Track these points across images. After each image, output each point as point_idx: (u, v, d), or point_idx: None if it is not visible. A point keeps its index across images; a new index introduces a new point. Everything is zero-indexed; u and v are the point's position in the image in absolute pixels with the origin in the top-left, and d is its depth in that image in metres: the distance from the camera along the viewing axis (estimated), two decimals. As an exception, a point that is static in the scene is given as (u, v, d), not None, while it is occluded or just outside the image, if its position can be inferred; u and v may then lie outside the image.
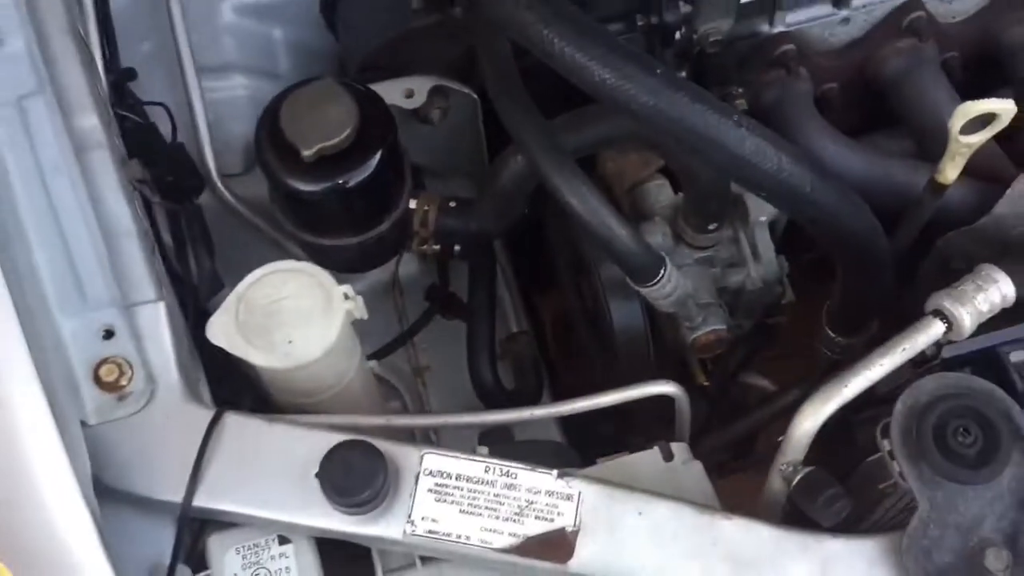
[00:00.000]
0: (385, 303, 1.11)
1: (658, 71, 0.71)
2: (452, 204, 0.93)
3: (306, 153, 0.80)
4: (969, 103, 0.84)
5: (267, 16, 1.09)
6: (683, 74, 1.04)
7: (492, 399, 0.99)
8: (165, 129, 0.96)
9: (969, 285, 0.75)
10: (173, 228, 0.92)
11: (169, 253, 0.90)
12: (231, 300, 0.79)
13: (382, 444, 0.68)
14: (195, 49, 1.02)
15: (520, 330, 1.07)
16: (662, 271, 0.79)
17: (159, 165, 0.90)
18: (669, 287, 0.81)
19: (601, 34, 0.72)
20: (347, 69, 1.09)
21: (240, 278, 0.98)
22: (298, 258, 0.95)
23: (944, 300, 0.75)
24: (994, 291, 0.74)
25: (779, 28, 1.03)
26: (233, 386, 0.81)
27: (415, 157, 1.10)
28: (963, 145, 0.88)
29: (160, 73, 1.02)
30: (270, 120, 0.82)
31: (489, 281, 1.03)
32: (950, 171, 0.91)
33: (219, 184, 1.00)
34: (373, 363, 0.92)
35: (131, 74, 0.98)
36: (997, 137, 0.87)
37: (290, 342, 0.78)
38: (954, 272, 1.09)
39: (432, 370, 1.08)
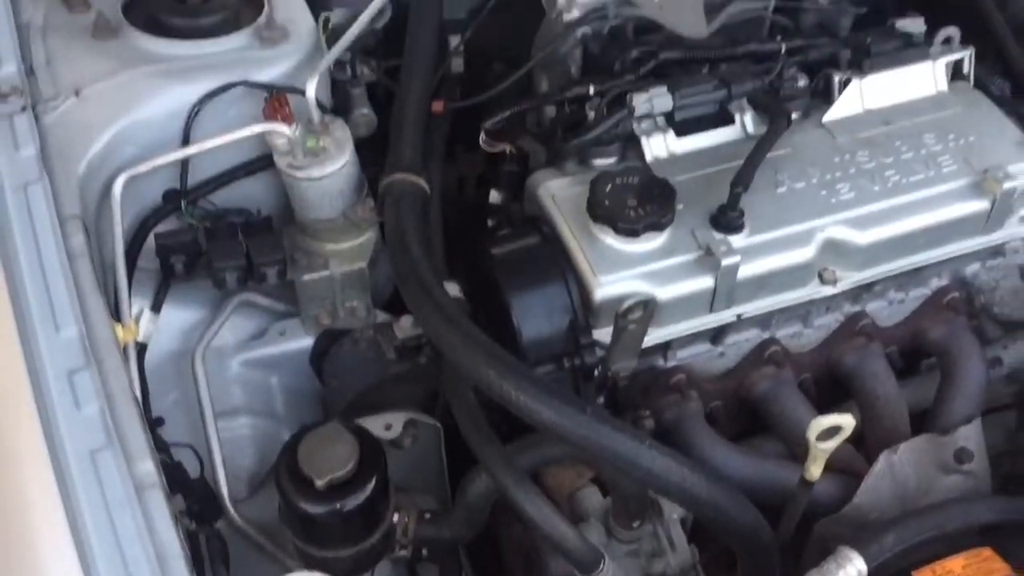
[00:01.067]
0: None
1: (587, 411, 0.97)
2: (427, 516, 1.14)
3: (319, 483, 1.02)
4: (821, 417, 1.12)
5: (267, 367, 1.34)
6: (601, 400, 1.32)
7: None
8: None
9: (831, 564, 1.00)
10: (193, 548, 1.11)
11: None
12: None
13: None
14: (211, 398, 1.26)
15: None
16: (602, 564, 1.02)
17: (187, 496, 1.11)
18: (608, 576, 1.03)
19: (545, 385, 0.99)
20: (329, 407, 1.33)
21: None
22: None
23: (813, 577, 0.99)
24: (851, 568, 0.99)
25: (672, 363, 1.33)
26: None
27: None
28: (820, 450, 1.15)
29: (182, 419, 1.25)
30: (289, 456, 1.05)
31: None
32: (814, 470, 1.18)
33: (231, 510, 1.20)
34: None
35: (160, 421, 1.20)
36: (849, 438, 1.13)
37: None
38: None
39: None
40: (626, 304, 1.15)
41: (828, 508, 1.29)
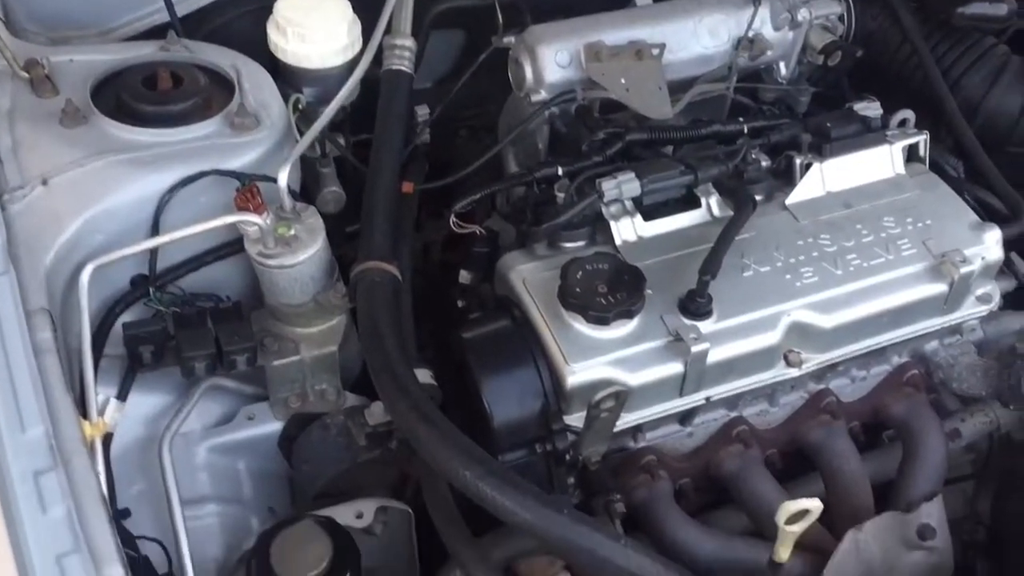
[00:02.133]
0: None
1: (564, 511, 0.98)
2: (401, 609, 1.14)
3: (293, 585, 1.01)
4: (789, 502, 1.13)
5: (235, 452, 1.32)
6: (571, 480, 1.33)
7: None
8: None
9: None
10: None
11: None
12: None
13: None
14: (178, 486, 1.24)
15: None
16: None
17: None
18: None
19: (520, 484, 0.99)
20: (299, 491, 1.32)
21: None
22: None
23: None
24: None
25: (642, 444, 1.34)
26: None
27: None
28: (789, 533, 1.16)
29: (148, 510, 1.22)
30: (261, 556, 1.04)
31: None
32: (783, 552, 1.19)
33: (199, 603, 1.18)
34: None
35: (126, 514, 1.18)
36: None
37: None
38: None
39: None
40: (599, 395, 1.16)
41: (797, 587, 1.31)
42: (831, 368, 1.40)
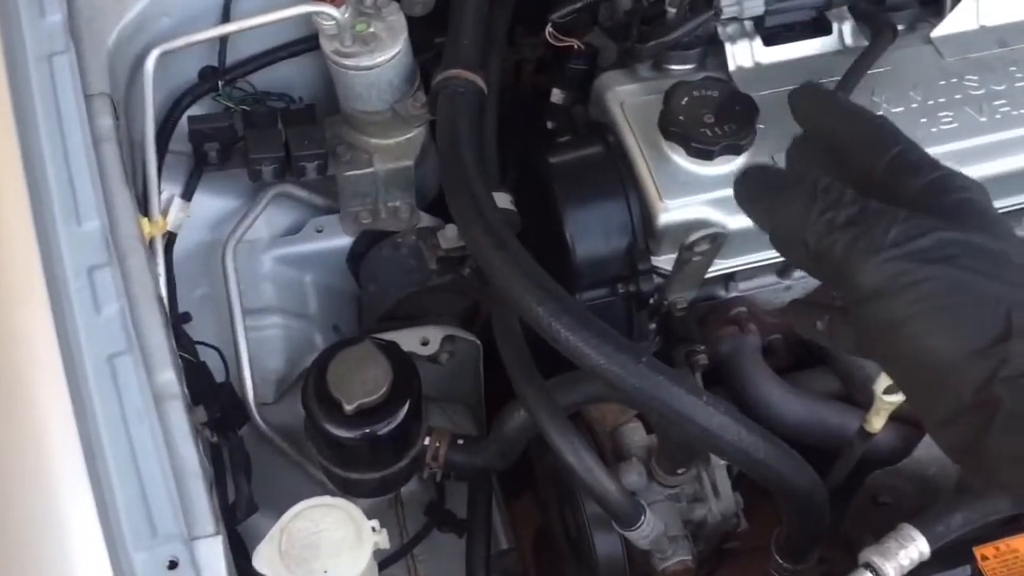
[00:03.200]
0: (387, 517, 1.25)
1: (643, 360, 0.89)
2: (460, 441, 1.08)
3: (348, 408, 0.95)
4: (889, 371, 1.04)
5: (302, 264, 1.26)
6: (653, 326, 1.24)
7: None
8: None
9: (893, 543, 0.92)
10: (214, 457, 1.06)
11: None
12: (275, 532, 0.93)
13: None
14: (240, 294, 1.19)
15: (509, 547, 1.21)
16: (642, 518, 0.95)
17: (210, 402, 1.05)
18: (647, 530, 0.96)
19: (597, 326, 0.90)
20: (366, 311, 1.26)
21: (270, 499, 1.12)
22: (321, 483, 1.10)
23: (873, 556, 0.91)
24: (913, 548, 0.92)
25: (734, 293, 1.24)
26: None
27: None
28: (886, 403, 1.07)
29: (209, 316, 1.18)
30: (317, 375, 0.98)
31: (487, 504, 1.18)
32: (876, 423, 1.10)
33: (256, 417, 1.15)
34: None
35: (186, 317, 1.14)
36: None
37: (325, 572, 0.91)
38: (882, 505, 1.28)
39: (430, 581, 1.21)
40: (693, 236, 1.05)
41: (884, 457, 1.22)
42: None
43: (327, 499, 0.96)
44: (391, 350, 1.00)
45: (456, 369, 1.20)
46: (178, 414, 0.93)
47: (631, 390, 0.88)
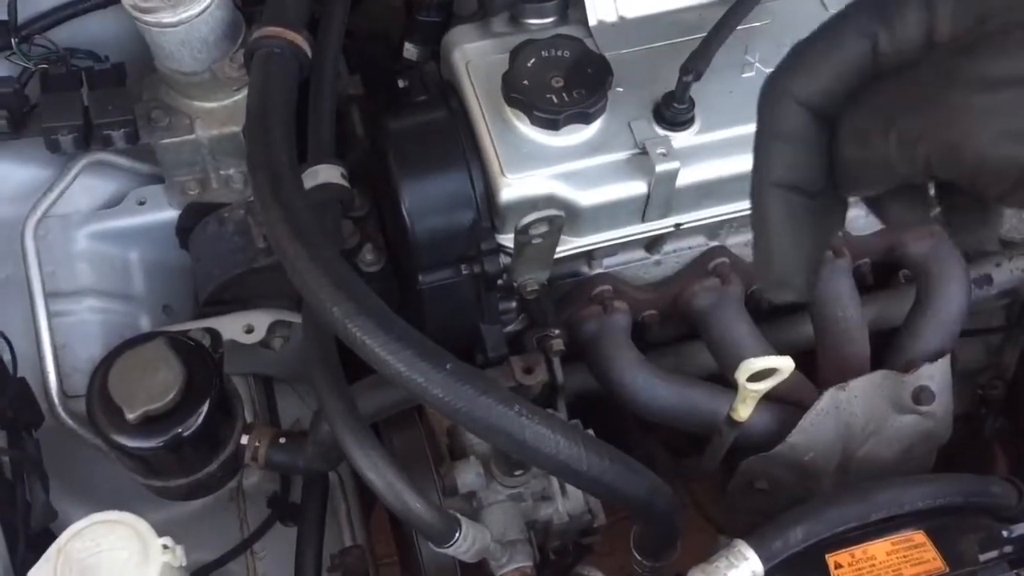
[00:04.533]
0: (228, 509, 1.16)
1: (448, 366, 0.79)
2: (283, 440, 0.99)
3: (130, 416, 0.86)
4: (752, 359, 0.94)
5: (124, 240, 1.15)
6: (513, 305, 1.14)
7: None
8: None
9: (722, 561, 0.85)
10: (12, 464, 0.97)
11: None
12: (51, 552, 0.84)
13: None
14: (49, 275, 1.08)
15: (354, 544, 1.13)
16: (457, 533, 0.87)
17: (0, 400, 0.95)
18: (466, 544, 0.88)
19: (398, 329, 0.80)
20: (198, 291, 1.15)
21: (83, 496, 1.03)
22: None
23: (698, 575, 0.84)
24: (744, 568, 0.84)
25: (597, 270, 1.14)
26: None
27: (264, 371, 1.17)
28: (751, 391, 0.98)
29: (14, 301, 1.07)
30: (101, 377, 0.88)
31: (321, 493, 1.10)
32: (743, 411, 1.01)
33: (60, 411, 1.05)
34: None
35: (-20, 304, 1.03)
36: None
37: (103, 599, 0.83)
38: (759, 491, 1.21)
39: (269, 580, 1.13)
40: (527, 219, 0.95)
41: (760, 442, 1.14)
42: (841, 197, 1.16)
43: (113, 514, 0.87)
44: (186, 348, 0.90)
45: (294, 352, 1.10)
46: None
47: (434, 400, 0.79)
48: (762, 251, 0.54)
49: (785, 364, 0.95)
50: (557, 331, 1.08)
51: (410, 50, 1.18)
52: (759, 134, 0.54)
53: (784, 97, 0.52)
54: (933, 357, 1.17)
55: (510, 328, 1.16)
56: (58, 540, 0.85)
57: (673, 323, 1.25)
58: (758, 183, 0.54)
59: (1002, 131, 0.44)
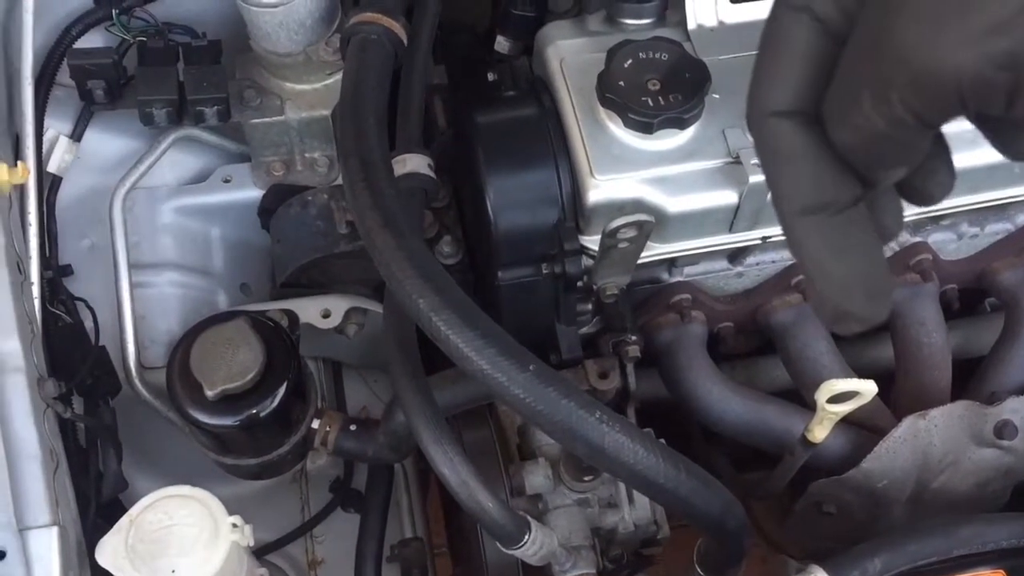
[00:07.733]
0: (291, 491, 1.17)
1: (531, 367, 0.78)
2: (353, 427, 0.99)
3: (209, 393, 0.86)
4: (834, 380, 0.92)
5: (207, 216, 1.15)
6: (589, 307, 1.13)
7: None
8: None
9: (798, 586, 0.83)
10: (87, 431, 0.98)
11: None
12: (123, 523, 0.85)
13: None
14: (133, 246, 1.09)
15: (413, 536, 1.12)
16: (527, 536, 0.86)
17: (81, 367, 0.96)
18: (534, 548, 0.87)
19: (484, 326, 0.79)
20: (276, 272, 1.16)
21: (153, 468, 1.04)
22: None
23: (775, 600, 0.81)
24: (819, 594, 0.82)
25: (677, 278, 1.12)
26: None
27: (335, 356, 1.16)
28: (830, 413, 0.96)
29: (99, 269, 1.08)
30: (182, 353, 0.89)
31: (386, 484, 1.10)
32: (819, 432, 0.99)
33: (137, 382, 1.05)
34: (263, 572, 0.97)
35: (67, 270, 1.04)
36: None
37: (173, 571, 0.83)
38: (825, 515, 1.18)
39: (326, 564, 1.12)
40: (616, 223, 0.93)
41: (832, 465, 1.12)
42: (933, 220, 1.13)
43: (185, 489, 0.87)
44: (268, 330, 0.90)
45: (367, 340, 1.10)
46: (18, 389, 0.84)
47: (515, 401, 0.77)
48: (812, 286, 0.50)
49: (867, 388, 0.92)
50: (634, 337, 1.07)
51: (502, 43, 1.17)
52: (762, 165, 0.50)
53: (762, 116, 0.48)
54: (1018, 390, 1.13)
55: (584, 330, 1.15)
56: (131, 510, 0.86)
57: (745, 336, 1.23)
58: (782, 217, 0.49)
59: (960, 39, 0.40)
